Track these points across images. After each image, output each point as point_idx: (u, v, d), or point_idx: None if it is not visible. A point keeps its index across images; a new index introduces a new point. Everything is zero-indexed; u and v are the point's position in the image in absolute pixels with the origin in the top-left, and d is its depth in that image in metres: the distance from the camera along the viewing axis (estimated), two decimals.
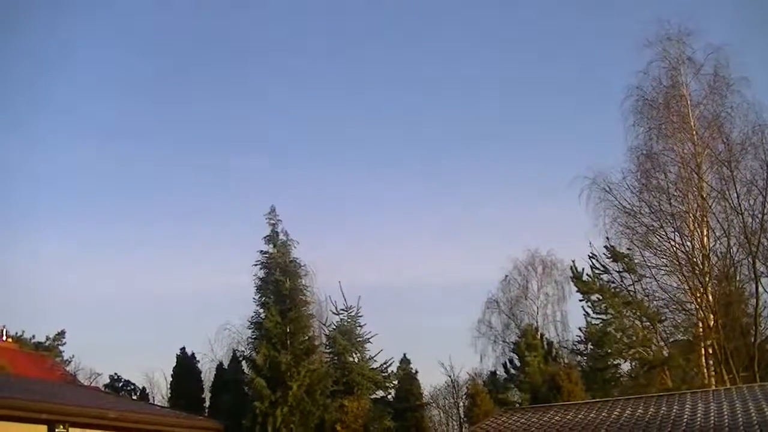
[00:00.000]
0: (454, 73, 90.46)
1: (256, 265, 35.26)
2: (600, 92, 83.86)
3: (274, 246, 35.25)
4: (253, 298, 35.10)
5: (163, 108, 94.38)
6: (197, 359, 40.58)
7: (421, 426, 37.69)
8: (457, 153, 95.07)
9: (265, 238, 35.38)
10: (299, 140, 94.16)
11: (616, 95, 52.76)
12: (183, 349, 39.16)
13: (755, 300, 42.18)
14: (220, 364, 40.69)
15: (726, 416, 21.50)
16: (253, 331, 35.14)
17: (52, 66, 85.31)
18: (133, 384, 45.72)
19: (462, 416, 57.77)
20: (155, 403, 46.61)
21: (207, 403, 38.35)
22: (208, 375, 44.91)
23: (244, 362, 36.08)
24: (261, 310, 34.70)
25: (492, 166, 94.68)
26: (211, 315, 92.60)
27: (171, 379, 39.76)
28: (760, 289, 42.03)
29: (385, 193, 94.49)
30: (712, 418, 21.53)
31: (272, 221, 35.41)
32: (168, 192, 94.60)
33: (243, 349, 38.35)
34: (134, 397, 42.96)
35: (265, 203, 39.27)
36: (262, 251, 35.34)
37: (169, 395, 40.27)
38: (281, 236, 35.43)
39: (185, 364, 39.01)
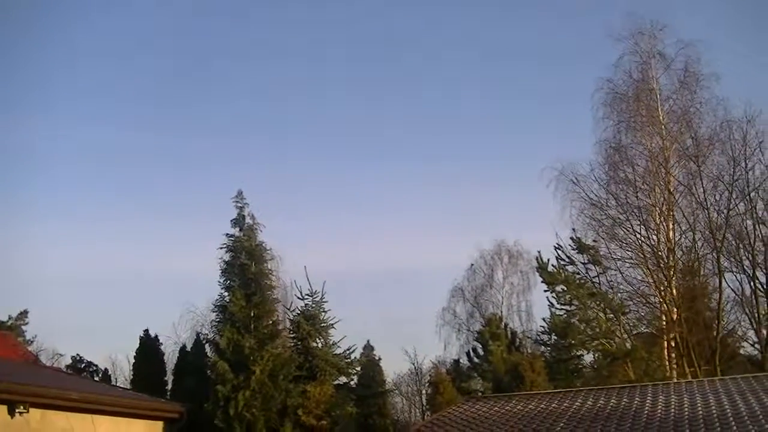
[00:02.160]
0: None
1: (221, 248, 35.12)
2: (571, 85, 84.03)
3: (240, 230, 35.08)
4: (218, 282, 34.95)
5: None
6: (160, 342, 40.40)
7: (383, 413, 37.66)
8: (427, 138, 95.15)
9: (231, 221, 35.26)
10: (266, 121, 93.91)
11: (587, 88, 53.06)
12: (146, 331, 38.97)
13: (718, 294, 42.47)
14: (183, 347, 40.48)
15: (686, 409, 21.63)
16: (217, 315, 34.99)
17: None
18: (96, 365, 45.52)
19: (425, 404, 57.93)
20: (118, 385, 46.42)
21: (169, 386, 38.19)
22: (171, 358, 44.75)
23: (207, 345, 35.93)
24: (225, 294, 34.53)
25: (461, 153, 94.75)
26: (175, 298, 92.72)
27: (134, 362, 39.58)
28: (724, 283, 42.36)
29: (351, 180, 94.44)
30: (673, 410, 21.66)
31: (239, 204, 35.27)
32: (131, 174, 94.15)
33: (207, 332, 38.30)
34: (96, 379, 42.74)
35: (232, 186, 39.11)
36: (227, 234, 35.21)
37: (132, 377, 40.11)
38: (248, 220, 35.34)
39: (148, 347, 38.81)
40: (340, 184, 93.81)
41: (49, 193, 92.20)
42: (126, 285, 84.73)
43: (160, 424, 28.17)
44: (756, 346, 43.52)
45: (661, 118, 47.21)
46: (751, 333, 44.21)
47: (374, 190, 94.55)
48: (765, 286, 42.06)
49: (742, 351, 45.70)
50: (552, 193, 48.61)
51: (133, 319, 67.43)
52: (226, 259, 34.91)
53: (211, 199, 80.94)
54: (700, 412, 20.92)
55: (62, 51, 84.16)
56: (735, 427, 18.70)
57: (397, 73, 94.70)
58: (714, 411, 20.91)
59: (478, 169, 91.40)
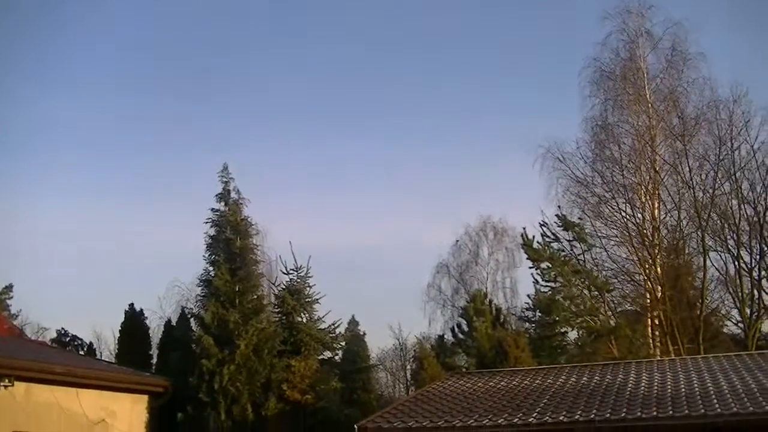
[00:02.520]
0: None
1: (206, 222, 35.12)
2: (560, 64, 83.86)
3: (226, 204, 35.02)
4: (203, 256, 34.96)
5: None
6: (145, 316, 40.32)
7: (367, 388, 37.75)
8: (412, 113, 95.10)
9: (216, 195, 35.20)
10: (256, 97, 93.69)
11: (575, 66, 53.07)
12: (131, 305, 38.88)
13: (702, 273, 42.58)
14: (169, 321, 40.40)
15: (669, 386, 21.73)
16: (203, 289, 35.01)
17: None
18: (81, 339, 45.40)
19: (409, 379, 58.05)
20: (103, 358, 46.39)
21: (154, 360, 38.14)
22: (156, 332, 44.67)
23: (192, 320, 35.91)
24: (211, 268, 34.55)
25: (447, 130, 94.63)
26: (161, 272, 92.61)
27: (119, 336, 39.49)
28: (708, 262, 42.46)
29: (339, 155, 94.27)
30: (656, 387, 21.75)
31: (224, 179, 35.22)
32: (116, 147, 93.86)
33: (192, 306, 38.20)
34: (81, 353, 42.65)
35: (218, 160, 39.03)
36: (213, 209, 35.17)
37: (117, 351, 40.02)
38: (233, 194, 35.30)
39: (133, 321, 38.72)
40: (327, 160, 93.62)
41: (32, 165, 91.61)
42: (112, 259, 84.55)
43: (144, 398, 28.19)
44: (739, 325, 43.67)
45: (647, 96, 47.25)
46: (734, 312, 44.37)
47: (362, 166, 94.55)
48: (749, 266, 42.20)
49: (725, 330, 45.89)
50: (538, 170, 48.71)
51: (118, 294, 67.56)
52: (212, 234, 34.94)
53: (197, 172, 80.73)
54: (683, 390, 21.01)
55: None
56: (717, 405, 18.80)
57: (381, 48, 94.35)
58: (697, 388, 21.01)
59: (464, 145, 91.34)
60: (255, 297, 34.75)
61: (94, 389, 25.69)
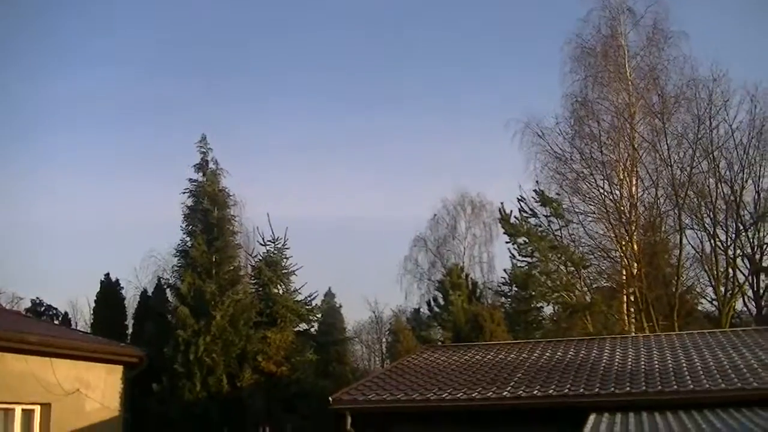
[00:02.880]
0: None
1: (184, 193, 34.97)
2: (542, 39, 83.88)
3: (204, 174, 34.88)
4: (180, 227, 34.82)
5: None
6: (121, 286, 40.17)
7: (343, 360, 37.83)
8: (392, 87, 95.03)
9: (194, 166, 35.04)
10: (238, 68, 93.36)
11: (557, 42, 53.06)
12: (107, 275, 38.76)
13: (678, 251, 42.80)
14: (144, 292, 40.28)
15: (643, 362, 21.82)
16: (179, 260, 34.87)
17: None
18: (56, 309, 45.22)
19: (384, 352, 58.27)
20: (78, 329, 46.20)
21: (130, 331, 38.06)
22: (131, 302, 44.56)
23: (168, 290, 35.80)
24: (188, 239, 34.41)
25: (427, 104, 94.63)
26: (138, 242, 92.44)
27: (94, 306, 39.33)
28: (684, 240, 42.66)
29: (317, 128, 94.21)
30: (630, 363, 21.85)
31: (203, 149, 35.08)
32: (94, 117, 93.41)
33: (168, 277, 38.12)
34: (56, 323, 42.45)
35: (197, 130, 38.81)
36: (191, 179, 35.00)
37: (92, 322, 39.85)
38: (211, 165, 35.15)
39: (109, 291, 38.58)
40: (306, 133, 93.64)
41: (9, 137, 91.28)
42: (88, 229, 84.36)
43: (119, 368, 28.07)
44: (714, 303, 43.94)
45: (628, 74, 47.30)
46: (709, 290, 44.64)
47: (341, 140, 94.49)
48: (724, 244, 42.40)
49: (699, 307, 46.15)
50: (517, 145, 48.76)
51: (94, 264, 67.34)
52: (189, 204, 34.77)
53: (176, 142, 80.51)
54: (657, 366, 21.10)
55: None
56: (690, 381, 18.89)
57: (362, 22, 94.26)
58: (670, 365, 21.11)
59: (443, 120, 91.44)
60: (232, 268, 34.67)
61: (69, 359, 25.55)
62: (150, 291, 39.50)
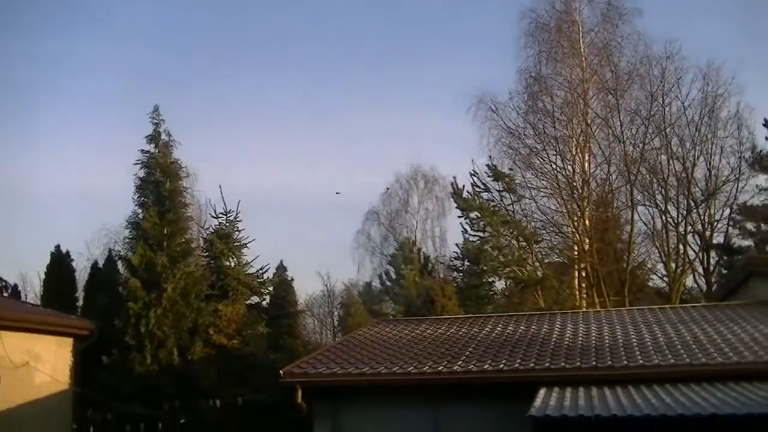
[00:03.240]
0: None
1: (136, 164, 34.73)
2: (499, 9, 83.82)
3: (156, 146, 34.66)
4: (132, 198, 34.62)
5: None
6: (72, 258, 39.84)
7: (294, 333, 37.69)
8: (347, 60, 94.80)
9: (146, 137, 34.79)
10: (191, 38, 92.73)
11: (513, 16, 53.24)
12: (57, 247, 38.45)
13: (630, 227, 43.16)
14: (95, 264, 39.99)
15: (594, 337, 21.92)
16: (131, 231, 34.65)
17: None
18: (5, 281, 44.77)
19: (336, 325, 58.31)
20: (27, 301, 45.85)
21: (80, 303, 37.80)
22: (82, 274, 44.27)
23: (119, 262, 35.61)
24: (139, 211, 34.20)
25: (381, 77, 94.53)
26: (89, 214, 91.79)
27: (44, 278, 39.01)
28: (636, 216, 43.05)
29: (268, 102, 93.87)
30: (581, 338, 21.93)
31: (155, 121, 34.81)
32: (49, 84, 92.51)
33: (119, 249, 37.92)
34: (5, 295, 42.10)
35: (148, 101, 38.46)
36: (143, 151, 34.77)
37: (42, 294, 39.52)
38: (163, 136, 34.92)
39: (59, 263, 38.25)
40: (258, 105, 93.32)
41: None
42: (39, 200, 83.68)
43: (69, 340, 27.92)
44: (664, 279, 44.33)
45: (582, 50, 47.49)
46: (660, 266, 45.09)
47: (295, 114, 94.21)
48: (675, 221, 42.79)
49: (650, 283, 46.53)
50: (470, 120, 48.85)
51: (45, 236, 66.76)
52: (141, 176, 34.54)
53: (130, 114, 79.91)
54: (607, 341, 21.20)
55: None
56: (639, 356, 18.99)
57: None
58: (620, 340, 21.20)
59: (396, 93, 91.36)
60: (183, 240, 34.50)
61: (18, 331, 25.40)
62: (101, 263, 39.23)
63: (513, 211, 45.94)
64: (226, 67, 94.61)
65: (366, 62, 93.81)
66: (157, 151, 34.64)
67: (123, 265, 34.57)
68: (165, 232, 33.65)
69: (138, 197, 34.38)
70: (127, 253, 34.14)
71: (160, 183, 34.08)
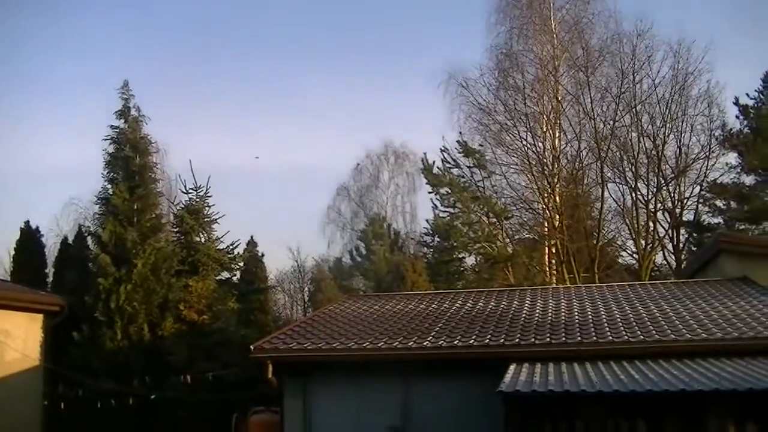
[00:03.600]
0: None
1: (105, 139, 34.55)
2: None
3: (125, 121, 34.51)
4: (102, 174, 34.46)
5: None
6: (42, 234, 39.66)
7: (265, 309, 37.66)
8: (319, 37, 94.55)
9: (116, 112, 34.64)
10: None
11: None
12: (27, 223, 38.26)
13: (600, 204, 43.32)
14: (65, 240, 39.81)
15: (563, 313, 22.02)
16: (100, 207, 34.52)
17: None
18: None
19: (306, 301, 58.26)
20: None
21: (50, 279, 37.68)
22: (52, 250, 44.09)
23: (89, 238, 35.46)
24: (109, 186, 34.05)
25: (352, 53, 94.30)
26: (60, 190, 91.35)
27: (14, 254, 38.84)
28: (606, 193, 43.20)
29: (238, 76, 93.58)
30: (550, 314, 22.03)
31: (124, 95, 34.66)
32: (19, 59, 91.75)
33: (89, 224, 37.75)
34: None
35: (119, 75, 38.29)
36: (112, 126, 34.59)
37: (12, 270, 39.33)
38: (133, 111, 34.75)
39: (29, 239, 38.07)
40: (231, 81, 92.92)
41: None
42: (8, 176, 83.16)
43: (40, 317, 27.90)
44: (634, 255, 44.57)
45: (553, 26, 47.51)
46: (630, 243, 45.35)
47: (265, 88, 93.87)
48: (645, 198, 43.03)
49: (620, 260, 46.80)
50: (441, 96, 48.90)
51: (14, 212, 66.37)
52: (110, 151, 34.38)
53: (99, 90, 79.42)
54: (577, 317, 21.31)
55: None
56: (609, 332, 19.11)
57: None
58: (590, 316, 21.32)
59: (368, 69, 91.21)
60: (153, 216, 34.41)
61: None
62: (71, 239, 39.07)
63: (483, 188, 46.05)
64: (197, 42, 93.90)
65: (338, 38, 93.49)
66: (126, 126, 34.51)
67: (93, 240, 34.43)
68: (135, 207, 33.55)
69: (107, 173, 34.23)
70: (97, 228, 33.99)
71: (130, 158, 33.95)
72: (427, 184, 47.05)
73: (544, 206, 44.36)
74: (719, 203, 47.98)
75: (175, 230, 36.36)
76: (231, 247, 36.39)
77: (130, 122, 34.56)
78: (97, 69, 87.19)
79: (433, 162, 46.00)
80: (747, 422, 14.03)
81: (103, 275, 31.51)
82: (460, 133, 46.77)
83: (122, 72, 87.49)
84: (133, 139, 34.23)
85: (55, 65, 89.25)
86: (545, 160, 44.54)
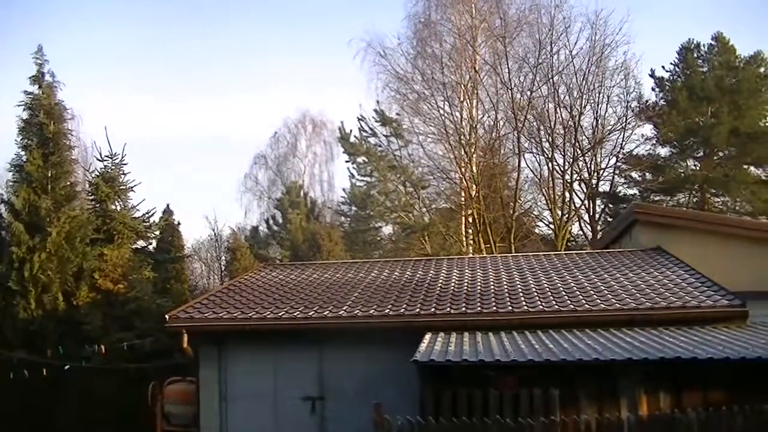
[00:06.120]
0: None
1: (19, 105, 34.10)
2: None
3: (40, 87, 34.08)
4: (15, 141, 34.03)
5: None
6: None
7: (181, 278, 37.50)
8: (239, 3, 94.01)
9: (30, 78, 34.17)
10: None
11: None
12: None
13: (517, 174, 43.60)
14: None
15: (479, 283, 22.17)
16: (14, 174, 34.09)
17: None
18: None
19: (223, 270, 58.04)
20: None
21: None
22: None
23: (2, 206, 35.05)
24: (22, 153, 33.65)
25: (271, 19, 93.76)
26: None
27: None
28: (523, 163, 43.51)
29: (155, 41, 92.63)
30: (466, 284, 22.17)
31: (39, 61, 34.20)
32: None
33: (2, 192, 37.26)
34: None
35: (35, 40, 37.66)
36: (26, 92, 34.13)
37: None
38: (47, 77, 34.33)
39: None
40: (147, 46, 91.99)
41: None
42: None
43: None
44: (550, 226, 45.00)
45: None
46: (546, 213, 45.79)
47: (181, 53, 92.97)
48: (562, 168, 43.40)
49: (536, 230, 47.23)
50: (359, 64, 48.81)
51: None
52: (24, 118, 33.92)
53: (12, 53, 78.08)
54: (493, 287, 21.47)
55: None
56: (524, 302, 19.29)
57: None
58: (506, 286, 21.50)
59: (284, 36, 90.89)
60: (68, 183, 34.07)
61: None
62: None
63: (400, 157, 46.20)
64: (120, 6, 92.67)
65: (257, 5, 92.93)
66: (40, 92, 34.05)
67: (6, 208, 33.97)
68: (49, 175, 33.18)
69: (21, 139, 33.78)
70: (10, 196, 33.54)
71: (44, 125, 33.52)
72: (344, 152, 47.14)
73: (461, 176, 44.53)
74: (635, 174, 48.65)
75: (91, 198, 36.02)
76: (147, 215, 36.17)
77: (44, 88, 34.10)
78: (13, 33, 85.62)
79: (350, 131, 46.13)
80: (659, 390, 14.28)
81: (17, 244, 31.18)
82: (378, 101, 46.93)
83: (38, 35, 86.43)
84: (47, 105, 33.79)
85: None
86: (462, 130, 44.69)
